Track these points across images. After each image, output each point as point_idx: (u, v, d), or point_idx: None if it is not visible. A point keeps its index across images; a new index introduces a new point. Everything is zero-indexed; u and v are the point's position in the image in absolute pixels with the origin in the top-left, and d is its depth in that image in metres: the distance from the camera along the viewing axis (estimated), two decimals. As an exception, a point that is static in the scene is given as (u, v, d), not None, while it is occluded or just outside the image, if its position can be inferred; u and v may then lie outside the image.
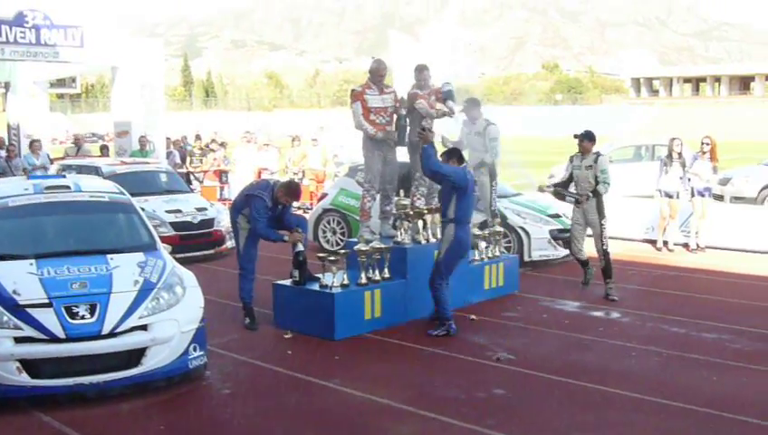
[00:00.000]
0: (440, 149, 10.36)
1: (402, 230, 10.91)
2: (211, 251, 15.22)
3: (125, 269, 7.98)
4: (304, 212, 19.29)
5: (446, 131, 12.55)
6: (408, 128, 11.10)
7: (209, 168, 24.72)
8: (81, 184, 9.51)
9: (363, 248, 10.09)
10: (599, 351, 9.36)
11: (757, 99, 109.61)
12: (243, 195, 10.45)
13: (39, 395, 7.21)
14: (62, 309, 7.29)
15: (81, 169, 16.31)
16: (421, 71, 11.31)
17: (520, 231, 14.05)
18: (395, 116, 11.05)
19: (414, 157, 11.05)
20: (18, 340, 7.12)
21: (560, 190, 12.29)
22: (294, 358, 9.02)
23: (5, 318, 7.19)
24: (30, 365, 7.11)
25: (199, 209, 15.64)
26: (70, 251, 8.25)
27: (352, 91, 11.24)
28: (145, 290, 7.77)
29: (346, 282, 9.91)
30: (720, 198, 19.49)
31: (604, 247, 11.85)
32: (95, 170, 15.94)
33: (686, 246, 16.15)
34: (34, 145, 20.74)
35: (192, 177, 23.97)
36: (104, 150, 24.95)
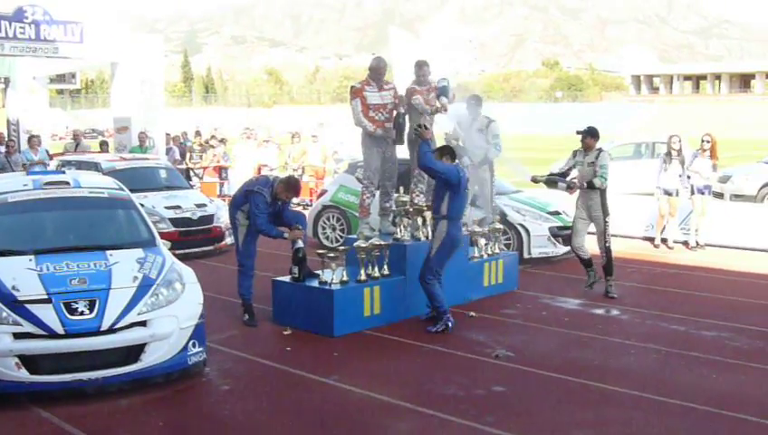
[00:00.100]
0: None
1: (401, 227, 10.91)
2: (210, 247, 15.23)
3: (124, 265, 7.98)
4: (304, 208, 19.30)
5: (449, 129, 12.53)
6: (408, 125, 11.10)
7: (209, 164, 24.71)
8: (81, 180, 9.50)
9: (362, 245, 10.08)
10: (598, 348, 9.36)
11: (758, 97, 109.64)
12: (242, 191, 10.43)
13: (38, 391, 7.20)
14: (61, 305, 7.28)
15: (80, 165, 16.31)
16: (420, 67, 11.31)
17: (519, 228, 14.05)
18: (394, 113, 11.05)
19: (413, 154, 11.05)
20: (17, 336, 7.11)
21: (552, 178, 12.13)
22: (293, 355, 9.02)
23: (4, 314, 7.18)
24: (29, 361, 7.09)
25: (199, 206, 15.63)
26: (69, 247, 8.24)
27: (352, 87, 11.24)
28: (144, 286, 7.76)
29: (345, 278, 9.90)
30: (720, 195, 19.54)
31: (606, 245, 11.78)
32: (95, 166, 15.90)
33: (685, 243, 16.15)
34: (33, 141, 20.73)
35: (192, 173, 23.95)
36: (104, 146, 24.92)
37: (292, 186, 10.38)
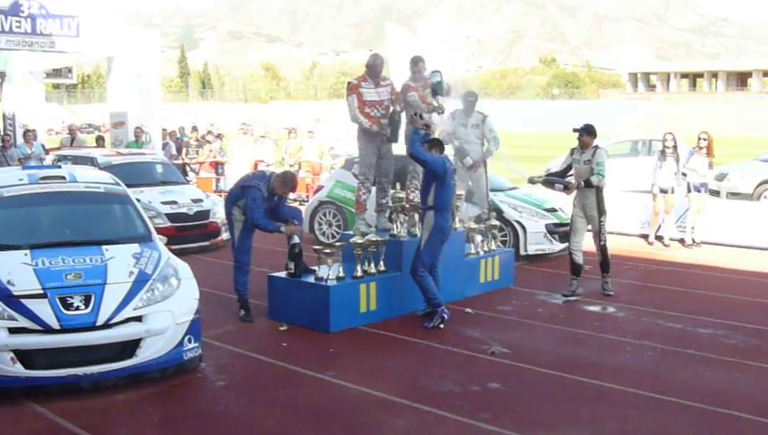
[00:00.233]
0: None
1: (398, 223, 10.91)
2: (206, 243, 15.22)
3: (120, 260, 7.96)
4: (300, 204, 19.28)
5: (449, 129, 12.54)
6: (405, 122, 11.09)
7: (205, 159, 24.69)
8: (77, 175, 9.48)
9: (359, 241, 10.08)
10: (593, 345, 9.36)
11: (754, 95, 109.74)
12: (238, 186, 10.42)
13: (33, 386, 7.20)
14: (57, 300, 7.28)
15: (76, 160, 16.27)
16: (416, 63, 11.30)
17: (516, 225, 14.05)
18: (390, 109, 11.04)
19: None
20: (12, 330, 7.11)
21: (549, 178, 12.07)
22: (289, 350, 9.01)
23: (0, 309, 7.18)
24: (24, 356, 7.09)
25: (195, 201, 15.63)
26: (65, 242, 8.24)
27: (348, 83, 11.24)
28: (140, 281, 7.75)
29: (341, 274, 9.89)
30: (716, 193, 19.54)
31: (602, 244, 11.70)
32: (91, 161, 15.90)
33: (681, 241, 16.15)
34: (28, 135, 20.69)
35: (188, 168, 23.94)
36: (100, 141, 24.89)
37: (289, 181, 10.37)
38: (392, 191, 11.16)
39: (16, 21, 19.26)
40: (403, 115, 11.09)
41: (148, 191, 15.04)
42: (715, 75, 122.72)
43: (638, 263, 14.40)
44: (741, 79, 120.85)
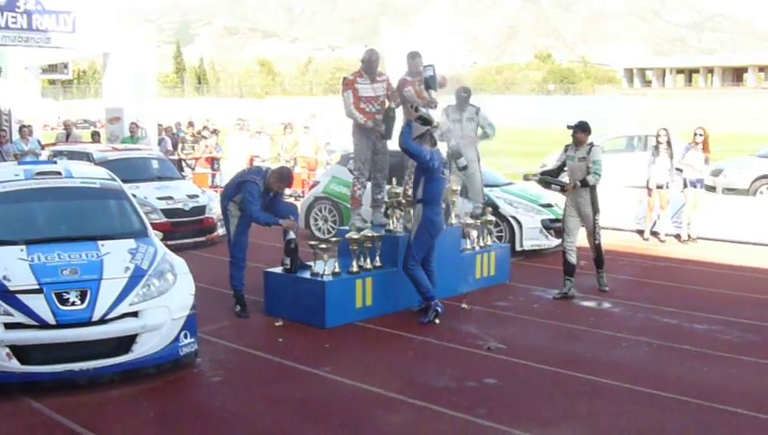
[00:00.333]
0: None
1: (394, 219, 10.91)
2: (202, 238, 15.23)
3: (116, 256, 7.96)
4: (296, 200, 19.28)
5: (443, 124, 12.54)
6: (399, 118, 11.08)
7: (201, 155, 24.68)
8: (73, 170, 9.48)
9: (355, 237, 10.08)
10: (589, 341, 9.37)
11: (750, 90, 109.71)
12: (234, 182, 10.41)
13: (29, 382, 7.20)
14: (53, 295, 7.27)
15: (72, 156, 16.28)
16: (413, 57, 11.29)
17: (512, 220, 14.06)
18: (386, 104, 11.04)
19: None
20: (8, 326, 7.11)
21: (545, 178, 11.94)
22: (285, 346, 9.02)
23: (-5, 304, 7.17)
24: (20, 351, 7.10)
25: (191, 196, 15.62)
26: (60, 237, 8.23)
27: (344, 79, 11.21)
28: (136, 277, 7.75)
29: (337, 270, 9.89)
30: (712, 189, 19.54)
31: (597, 242, 11.61)
32: (86, 156, 15.87)
33: (677, 236, 16.17)
34: (24, 130, 20.65)
35: (184, 164, 23.92)
36: (95, 137, 24.86)
37: (285, 177, 10.37)
38: (388, 187, 11.16)
39: (12, 16, 19.25)
40: (398, 111, 11.08)
41: (143, 187, 15.03)
42: (710, 71, 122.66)
43: (633, 258, 14.41)
44: (737, 74, 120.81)
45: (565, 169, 11.73)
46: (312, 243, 10.00)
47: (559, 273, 11.66)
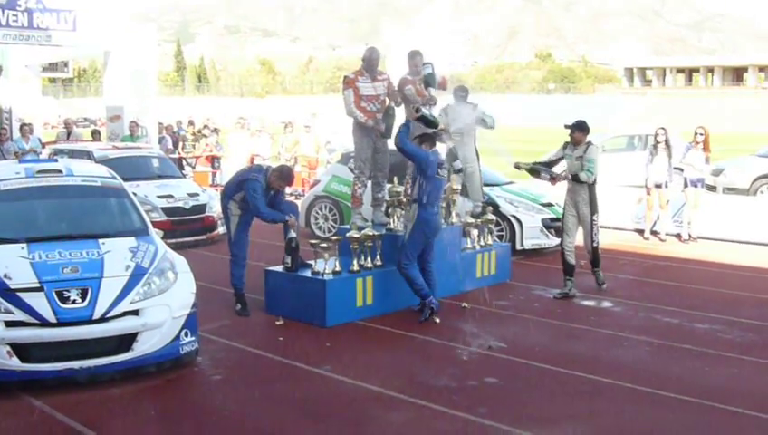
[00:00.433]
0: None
1: (395, 217, 10.91)
2: (203, 237, 15.23)
3: (117, 254, 7.96)
4: (296, 198, 19.27)
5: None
6: (400, 117, 11.07)
7: (201, 153, 24.69)
8: (73, 168, 9.47)
9: (355, 235, 10.08)
10: (590, 340, 9.37)
11: (750, 90, 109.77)
12: (235, 181, 10.40)
13: (29, 379, 7.19)
14: (54, 293, 7.27)
15: (72, 154, 16.29)
16: (413, 56, 11.29)
17: (512, 219, 14.04)
18: (386, 103, 11.03)
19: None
20: (9, 324, 7.11)
21: (536, 167, 11.78)
22: (285, 345, 9.01)
23: (-4, 302, 7.17)
24: (20, 349, 7.09)
25: (191, 195, 15.62)
26: (61, 235, 8.22)
27: (345, 77, 11.20)
28: (136, 275, 7.75)
29: (338, 269, 9.88)
30: (712, 188, 19.53)
31: (594, 245, 11.48)
32: (87, 155, 15.88)
33: (678, 236, 16.16)
34: (24, 129, 20.66)
35: (184, 162, 23.93)
36: (95, 135, 24.86)
37: (286, 175, 10.37)
38: (389, 186, 11.15)
39: (13, 15, 19.25)
40: (398, 110, 11.07)
41: (144, 185, 15.02)
42: (711, 70, 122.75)
43: (634, 258, 14.41)
44: (737, 74, 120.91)
45: (558, 164, 11.67)
46: (313, 241, 9.99)
47: (559, 272, 11.64)
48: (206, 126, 28.36)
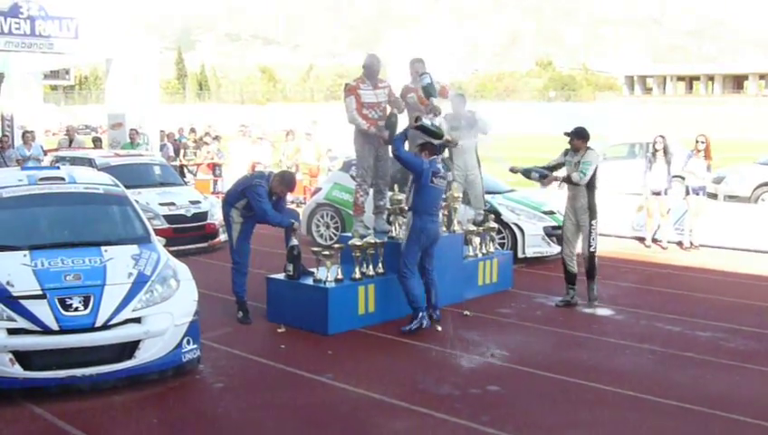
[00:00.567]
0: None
1: (396, 225, 10.89)
2: (204, 244, 15.22)
3: (119, 261, 7.96)
4: (297, 206, 19.27)
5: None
6: (402, 124, 11.07)
7: (203, 161, 24.69)
8: (76, 175, 9.48)
9: (357, 243, 10.07)
10: (592, 348, 9.37)
11: (750, 98, 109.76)
12: (238, 189, 10.39)
13: (31, 387, 7.19)
14: (56, 301, 7.27)
15: (74, 161, 16.29)
16: (414, 64, 11.29)
17: (514, 227, 14.04)
18: (388, 110, 11.03)
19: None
20: (11, 331, 7.10)
21: (528, 168, 11.59)
22: (287, 352, 9.00)
23: (-1, 309, 7.17)
24: (23, 357, 7.09)
25: (193, 202, 15.63)
26: (64, 243, 8.23)
27: (346, 85, 11.18)
28: (139, 282, 7.75)
29: (340, 277, 9.88)
30: (714, 196, 19.54)
31: (592, 250, 11.24)
32: (89, 162, 15.90)
33: (679, 244, 16.16)
34: (26, 136, 20.69)
35: (186, 169, 23.94)
36: (97, 143, 24.89)
37: (288, 180, 10.38)
38: (391, 193, 11.15)
39: (15, 22, 19.31)
40: (401, 117, 11.07)
41: (145, 192, 15.03)
42: (711, 78, 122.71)
43: (636, 265, 14.40)
44: (737, 82, 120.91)
45: (559, 171, 11.61)
46: (315, 249, 9.99)
47: (561, 280, 11.62)
48: (207, 133, 28.36)
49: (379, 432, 6.90)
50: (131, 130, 21.41)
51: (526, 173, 11.58)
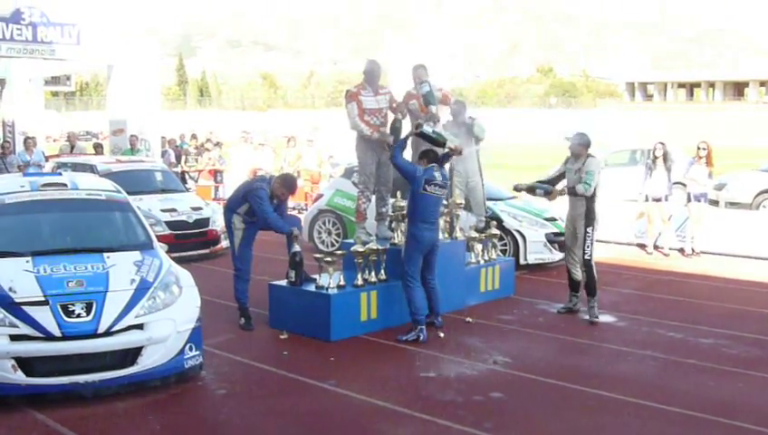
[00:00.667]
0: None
1: (398, 232, 10.89)
2: (206, 250, 15.22)
3: (121, 268, 7.96)
4: (299, 213, 19.28)
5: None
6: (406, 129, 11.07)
7: (204, 167, 24.71)
8: (78, 182, 9.48)
9: (360, 250, 10.06)
10: (595, 355, 9.36)
11: (751, 105, 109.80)
12: (239, 194, 10.39)
13: (34, 394, 7.18)
14: (59, 307, 7.26)
15: (76, 167, 16.29)
16: (417, 69, 11.30)
17: (516, 234, 14.06)
18: (389, 115, 11.03)
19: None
20: (14, 338, 7.09)
21: (533, 185, 11.48)
22: (290, 359, 8.99)
23: (1, 316, 7.16)
24: (25, 363, 7.07)
25: (194, 209, 15.63)
26: (66, 249, 8.23)
27: (347, 91, 11.18)
28: (141, 289, 7.74)
29: (342, 283, 9.89)
30: (715, 203, 19.55)
31: (586, 258, 10.91)
32: (90, 168, 15.90)
33: (681, 250, 16.17)
34: (28, 142, 20.71)
35: (187, 176, 23.95)
36: (98, 149, 24.92)
37: (289, 182, 10.39)
38: (393, 200, 11.15)
39: (17, 28, 19.34)
40: (405, 122, 11.07)
41: (147, 199, 15.03)
42: (712, 85, 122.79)
43: (637, 272, 14.40)
44: (738, 89, 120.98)
45: (562, 180, 11.57)
46: (318, 256, 9.98)
47: (563, 286, 11.62)
48: (208, 140, 28.40)
49: (382, 439, 6.90)
50: (131, 136, 21.44)
51: (530, 190, 11.50)
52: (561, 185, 11.36)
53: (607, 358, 9.22)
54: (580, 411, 7.48)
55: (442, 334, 9.86)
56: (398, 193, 11.13)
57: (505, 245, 13.91)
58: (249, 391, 7.96)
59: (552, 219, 14.46)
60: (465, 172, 12.42)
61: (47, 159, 20.88)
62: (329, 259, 9.82)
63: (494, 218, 13.15)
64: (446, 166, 10.77)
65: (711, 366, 8.84)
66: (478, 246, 12.02)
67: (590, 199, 10.89)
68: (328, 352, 9.17)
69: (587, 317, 10.89)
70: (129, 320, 7.45)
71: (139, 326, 7.51)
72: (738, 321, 10.87)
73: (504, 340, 9.87)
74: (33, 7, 19.73)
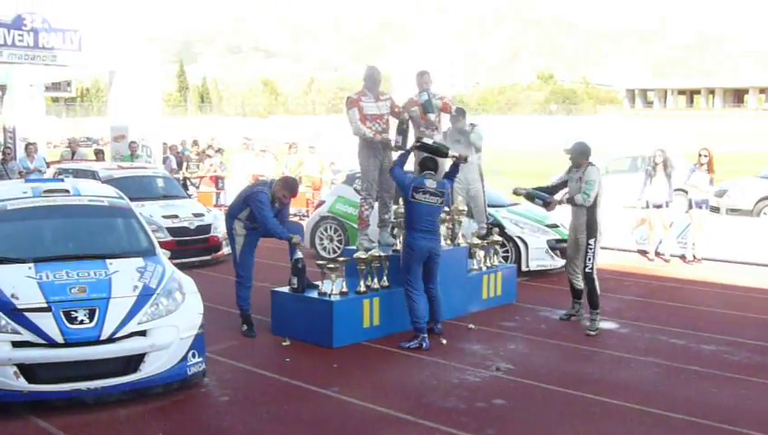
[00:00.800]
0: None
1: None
2: (208, 257, 15.23)
3: (124, 274, 7.95)
4: (301, 219, 19.28)
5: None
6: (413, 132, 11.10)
7: (205, 173, 24.71)
8: (80, 188, 9.49)
9: (362, 256, 10.06)
10: (597, 361, 9.35)
11: (751, 112, 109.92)
12: (240, 199, 10.38)
13: (36, 400, 7.17)
14: (61, 314, 7.25)
15: (77, 173, 16.30)
16: (421, 75, 11.31)
17: (518, 241, 14.05)
18: (391, 121, 11.04)
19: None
20: (16, 344, 7.08)
21: (532, 192, 11.33)
22: (293, 366, 8.99)
23: (3, 322, 7.15)
24: (27, 370, 7.06)
25: (196, 215, 15.64)
26: (69, 255, 8.22)
27: (348, 98, 11.17)
28: (144, 295, 7.73)
29: (345, 290, 9.88)
30: (716, 209, 19.55)
31: (586, 270, 10.76)
32: (92, 174, 15.90)
33: (682, 257, 16.16)
34: (29, 148, 20.73)
35: (188, 182, 23.96)
36: (99, 155, 24.93)
37: (290, 185, 10.38)
38: (395, 207, 11.15)
39: (19, 34, 19.36)
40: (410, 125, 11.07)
41: (149, 205, 15.01)
42: (712, 92, 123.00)
43: (639, 279, 14.40)
44: (738, 96, 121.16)
45: (564, 188, 11.52)
46: (320, 262, 9.98)
47: (565, 293, 11.60)
48: (210, 146, 28.42)
49: (385, 446, 6.89)
50: (131, 142, 21.47)
51: (529, 197, 11.40)
52: (562, 194, 11.29)
53: (609, 365, 9.21)
54: (584, 418, 7.47)
55: (444, 341, 9.86)
56: (401, 200, 11.14)
57: (507, 251, 13.91)
58: (252, 397, 7.95)
59: (554, 226, 14.46)
60: (465, 180, 12.41)
61: (48, 165, 20.89)
62: (331, 266, 9.82)
63: (496, 225, 13.14)
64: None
65: (713, 373, 8.84)
66: (480, 253, 12.02)
67: (592, 209, 10.71)
68: (330, 359, 9.16)
69: (587, 324, 10.87)
70: (132, 327, 7.44)
71: (142, 333, 7.50)
72: (740, 327, 10.87)
73: (507, 347, 9.85)
74: (34, 13, 19.74)
